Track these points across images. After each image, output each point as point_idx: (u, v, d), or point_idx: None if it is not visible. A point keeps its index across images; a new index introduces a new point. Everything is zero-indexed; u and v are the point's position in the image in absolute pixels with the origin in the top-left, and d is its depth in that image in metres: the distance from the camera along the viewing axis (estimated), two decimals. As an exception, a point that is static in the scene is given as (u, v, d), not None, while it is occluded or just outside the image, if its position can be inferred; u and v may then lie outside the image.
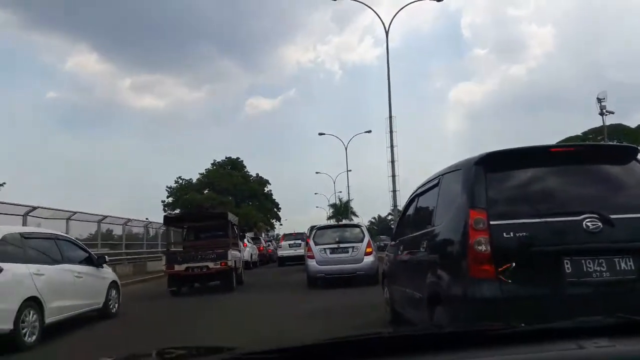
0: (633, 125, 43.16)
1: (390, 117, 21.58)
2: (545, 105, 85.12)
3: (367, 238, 12.30)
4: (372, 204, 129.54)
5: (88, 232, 17.00)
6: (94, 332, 7.48)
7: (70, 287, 7.34)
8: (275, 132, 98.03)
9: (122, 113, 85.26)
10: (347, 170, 44.89)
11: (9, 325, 5.79)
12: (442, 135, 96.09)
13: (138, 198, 67.42)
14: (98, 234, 17.56)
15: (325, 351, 1.17)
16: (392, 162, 21.85)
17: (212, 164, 53.10)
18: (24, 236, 6.85)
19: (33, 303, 6.30)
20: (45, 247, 7.24)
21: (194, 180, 51.50)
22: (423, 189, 5.13)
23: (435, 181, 4.62)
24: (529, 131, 72.75)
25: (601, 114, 26.40)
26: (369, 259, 11.80)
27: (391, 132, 21.66)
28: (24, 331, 6.05)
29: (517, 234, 3.37)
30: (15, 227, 7.84)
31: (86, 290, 7.85)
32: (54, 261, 7.16)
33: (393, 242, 6.19)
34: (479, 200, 3.54)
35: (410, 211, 5.63)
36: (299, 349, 1.17)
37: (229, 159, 53.96)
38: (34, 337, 6.20)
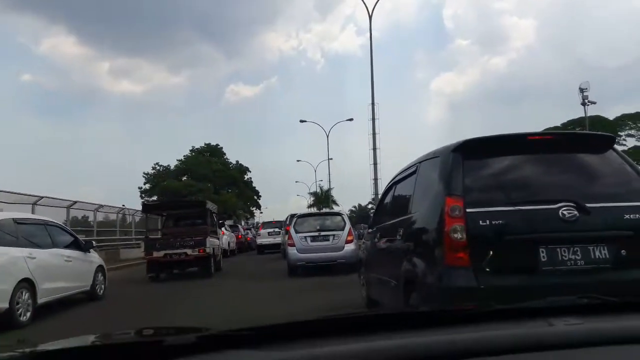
0: (611, 117, 44.02)
1: (373, 103, 21.55)
2: (525, 97, 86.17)
3: (348, 226, 12.30)
4: (354, 193, 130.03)
5: (60, 218, 16.40)
6: (82, 313, 7.86)
7: (60, 270, 7.77)
8: (256, 120, 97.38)
9: (99, 98, 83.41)
10: (329, 159, 44.72)
11: (4, 305, 6.25)
12: (424, 125, 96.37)
13: (114, 184, 66.52)
14: (67, 220, 17.08)
15: (298, 330, 1.15)
16: (374, 149, 21.87)
17: (190, 151, 52.46)
18: (17, 222, 7.27)
19: (26, 284, 6.73)
20: (36, 232, 7.68)
21: (172, 167, 50.83)
22: (401, 176, 5.07)
23: (413, 169, 4.56)
24: (508, 123, 73.68)
25: (583, 104, 26.59)
26: (349, 247, 11.81)
27: (373, 119, 21.65)
28: (18, 310, 6.49)
29: (494, 222, 3.33)
30: (8, 213, 8.27)
31: (75, 274, 8.27)
32: (45, 245, 7.58)
33: (370, 230, 6.15)
34: (456, 188, 3.48)
35: (388, 199, 5.58)
36: (272, 328, 1.16)
37: (208, 145, 53.27)
38: (27, 316, 6.66)
